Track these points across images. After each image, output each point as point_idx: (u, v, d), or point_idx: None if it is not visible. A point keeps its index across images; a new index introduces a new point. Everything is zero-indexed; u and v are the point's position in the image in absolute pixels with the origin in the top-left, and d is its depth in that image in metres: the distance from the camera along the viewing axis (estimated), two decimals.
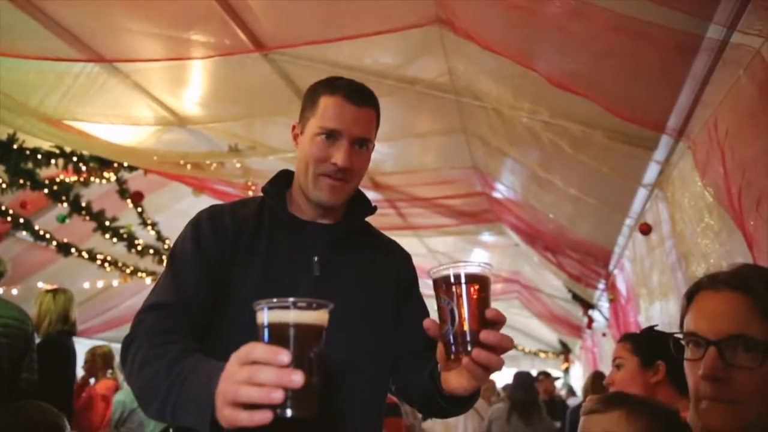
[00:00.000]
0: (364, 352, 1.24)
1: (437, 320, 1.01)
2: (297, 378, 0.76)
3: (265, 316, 0.82)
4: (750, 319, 0.92)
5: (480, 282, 0.97)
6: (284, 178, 1.38)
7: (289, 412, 0.78)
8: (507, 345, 0.95)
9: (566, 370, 12.64)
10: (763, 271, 1.03)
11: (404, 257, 1.45)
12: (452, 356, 0.96)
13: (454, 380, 1.03)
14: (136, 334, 1.09)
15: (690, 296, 1.04)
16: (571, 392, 9.54)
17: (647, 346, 1.80)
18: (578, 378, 10.69)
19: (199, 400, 0.87)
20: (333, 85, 1.27)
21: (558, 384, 11.40)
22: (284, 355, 0.78)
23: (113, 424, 3.97)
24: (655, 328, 1.89)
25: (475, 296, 0.96)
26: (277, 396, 0.77)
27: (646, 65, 2.25)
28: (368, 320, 1.27)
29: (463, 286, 0.96)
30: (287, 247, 1.26)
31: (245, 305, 0.89)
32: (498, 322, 0.97)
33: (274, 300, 0.82)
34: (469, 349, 0.94)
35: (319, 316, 0.84)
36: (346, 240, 1.31)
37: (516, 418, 4.42)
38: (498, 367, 0.95)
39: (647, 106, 2.58)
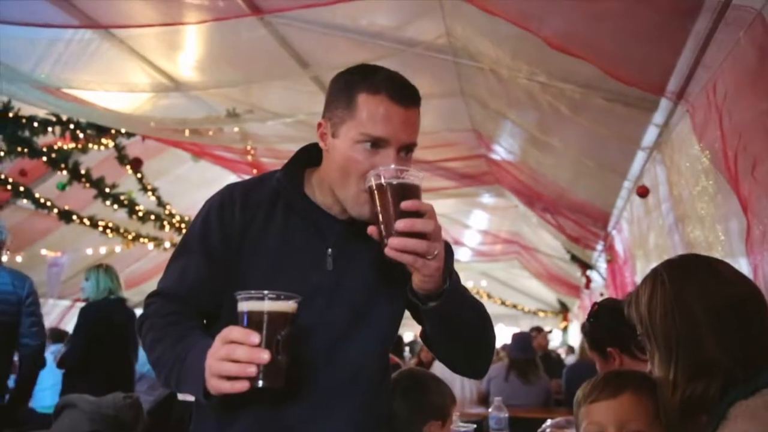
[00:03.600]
0: (369, 348, 1.20)
1: None
2: (265, 356, 0.93)
3: (243, 305, 0.99)
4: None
5: (397, 188, 1.03)
6: (305, 159, 1.25)
7: (260, 383, 0.94)
8: (420, 227, 1.00)
9: (565, 329, 12.86)
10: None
11: None
12: (384, 247, 1.03)
13: (413, 277, 1.07)
14: (147, 315, 1.20)
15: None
16: (570, 350, 9.73)
17: (595, 340, 1.92)
18: (576, 336, 10.88)
19: (194, 374, 1.01)
20: (372, 81, 1.10)
21: (556, 342, 11.62)
22: (255, 337, 0.94)
23: None
24: (599, 301, 2.01)
25: (388, 196, 1.03)
26: (252, 370, 0.93)
27: (646, 27, 2.21)
28: (381, 316, 1.21)
29: (375, 192, 1.05)
30: (300, 239, 1.19)
31: None
32: (417, 211, 1.01)
33: (252, 291, 0.98)
34: (386, 240, 1.02)
35: (286, 306, 0.99)
36: (365, 227, 1.19)
37: (514, 376, 4.54)
38: (418, 248, 0.99)
39: (647, 69, 2.55)
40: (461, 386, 4.57)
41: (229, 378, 0.94)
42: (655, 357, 1.11)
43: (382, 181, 1.04)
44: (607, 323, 1.89)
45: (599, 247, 6.01)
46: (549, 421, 2.69)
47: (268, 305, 0.97)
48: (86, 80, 3.99)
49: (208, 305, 1.19)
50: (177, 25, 3.41)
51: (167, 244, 7.45)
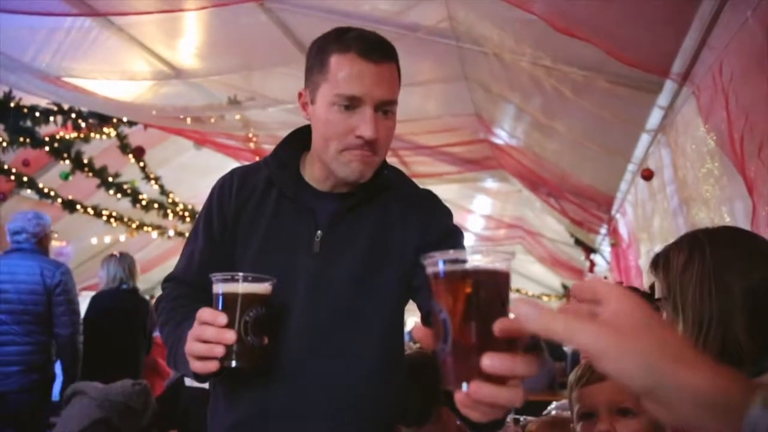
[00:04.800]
0: (360, 333, 1.15)
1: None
2: (229, 336, 0.95)
3: (216, 287, 1.01)
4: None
5: (483, 280, 0.62)
6: (298, 141, 1.22)
7: (232, 363, 0.97)
8: (522, 371, 0.59)
9: None
10: None
11: (432, 213, 1.22)
12: (450, 386, 0.63)
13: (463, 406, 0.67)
14: (160, 299, 1.27)
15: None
16: None
17: None
18: None
19: (184, 358, 1.03)
20: (343, 40, 1.07)
21: None
22: (222, 318, 0.96)
23: None
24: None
25: (474, 302, 0.62)
26: (219, 351, 0.95)
27: (651, 9, 2.19)
28: (368, 298, 1.15)
29: (457, 288, 0.62)
30: (290, 222, 1.17)
31: None
32: (516, 338, 0.61)
33: (225, 274, 1.01)
34: (463, 381, 0.61)
35: (258, 287, 1.00)
36: (360, 207, 1.17)
37: None
38: (513, 402, 0.60)
39: (651, 51, 2.53)
40: None
41: (201, 358, 0.97)
42: (678, 328, 1.04)
43: (455, 267, 0.62)
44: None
45: (603, 230, 6.01)
46: (554, 404, 2.71)
47: (236, 287, 0.99)
48: (87, 69, 3.98)
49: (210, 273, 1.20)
50: (176, 12, 3.39)
51: (171, 233, 7.46)
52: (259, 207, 1.19)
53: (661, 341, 0.47)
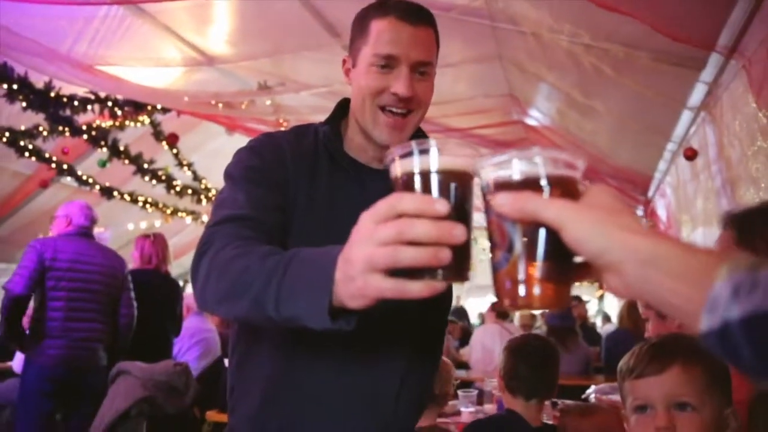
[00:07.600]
0: (408, 315, 1.14)
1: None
2: (458, 233, 0.61)
3: (404, 164, 0.66)
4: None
5: (563, 181, 0.58)
6: (342, 112, 1.23)
7: (445, 276, 0.62)
8: None
9: (601, 297, 12.70)
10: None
11: None
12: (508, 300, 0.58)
13: None
14: (211, 242, 0.94)
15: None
16: (607, 319, 9.64)
17: None
18: (613, 305, 10.75)
19: (313, 280, 0.73)
20: (383, 6, 1.12)
21: (592, 311, 11.51)
22: (441, 205, 0.61)
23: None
24: None
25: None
26: (445, 255, 0.60)
27: None
28: None
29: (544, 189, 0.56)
30: (347, 197, 1.15)
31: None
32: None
33: (420, 141, 0.65)
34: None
35: (468, 164, 0.66)
36: None
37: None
38: None
39: (696, 23, 2.43)
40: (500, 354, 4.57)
41: (398, 274, 0.63)
42: None
43: (535, 168, 0.58)
44: None
45: (639, 212, 5.87)
46: (593, 387, 2.67)
47: (452, 162, 0.65)
48: (122, 56, 4.04)
49: (278, 235, 1.04)
50: None
51: (204, 218, 7.60)
52: (315, 172, 1.16)
53: (616, 215, 0.53)
